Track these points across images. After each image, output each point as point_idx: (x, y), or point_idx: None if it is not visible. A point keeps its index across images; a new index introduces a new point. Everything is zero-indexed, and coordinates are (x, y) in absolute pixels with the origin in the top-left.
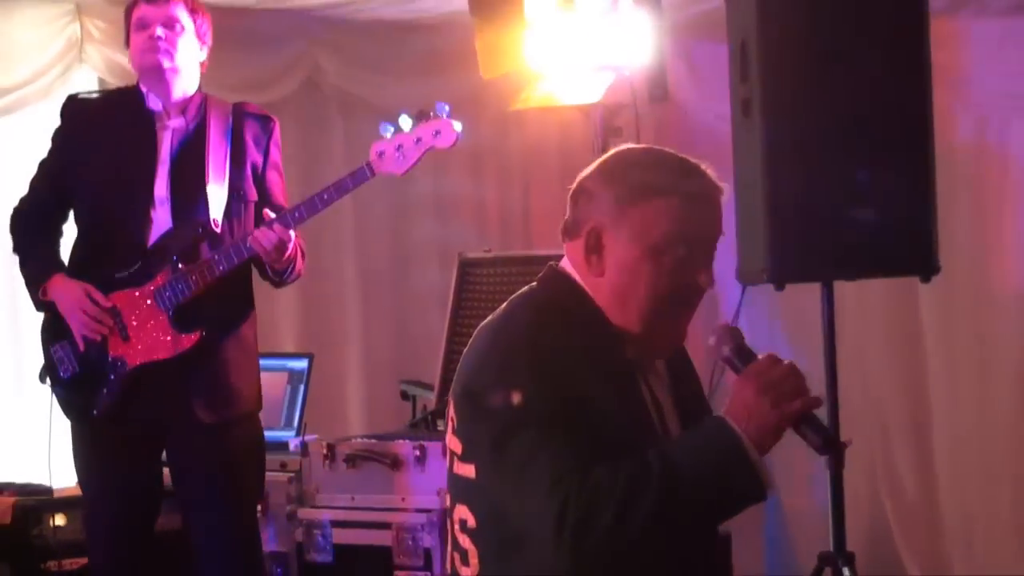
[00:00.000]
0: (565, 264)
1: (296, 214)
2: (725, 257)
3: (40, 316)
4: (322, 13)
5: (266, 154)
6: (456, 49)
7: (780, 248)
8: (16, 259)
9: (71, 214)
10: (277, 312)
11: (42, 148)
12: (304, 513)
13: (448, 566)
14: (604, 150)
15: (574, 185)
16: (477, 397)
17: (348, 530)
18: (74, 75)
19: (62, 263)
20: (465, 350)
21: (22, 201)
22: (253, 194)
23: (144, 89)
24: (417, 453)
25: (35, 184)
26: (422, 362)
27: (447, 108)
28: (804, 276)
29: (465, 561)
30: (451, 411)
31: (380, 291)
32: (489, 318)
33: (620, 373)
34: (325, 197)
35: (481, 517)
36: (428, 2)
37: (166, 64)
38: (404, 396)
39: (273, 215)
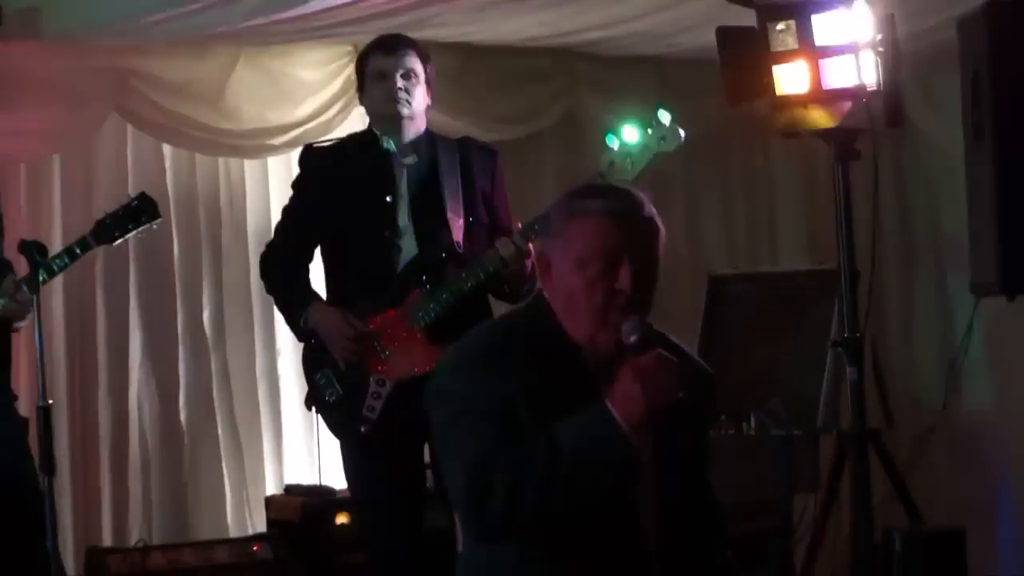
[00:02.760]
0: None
1: (536, 226)
2: (959, 272)
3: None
4: (583, 50)
5: (492, 181)
6: (705, 82)
7: (1010, 261)
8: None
9: (315, 254)
10: None
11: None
12: None
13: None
14: (844, 172)
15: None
16: (427, 400)
17: None
18: (353, 112)
19: (317, 294)
20: None
21: (270, 247)
22: (485, 218)
23: (378, 132)
24: None
25: (281, 229)
26: None
27: (670, 116)
28: None
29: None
30: None
31: None
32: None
33: (575, 380)
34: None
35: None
36: (680, 39)
37: (405, 113)
38: None
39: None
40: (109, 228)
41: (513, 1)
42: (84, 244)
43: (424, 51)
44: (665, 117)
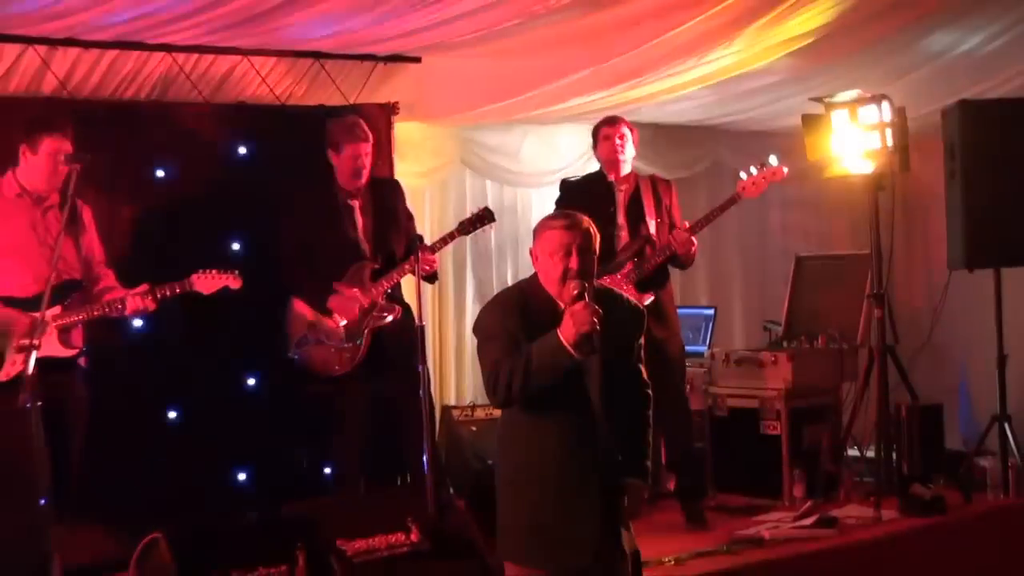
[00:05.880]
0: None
1: (697, 226)
2: (940, 254)
3: None
4: (722, 126)
5: (671, 199)
6: (795, 144)
7: (970, 249)
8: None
9: None
10: (696, 284)
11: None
12: (712, 389)
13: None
14: (874, 198)
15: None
16: (474, 328)
17: (735, 399)
18: (590, 164)
19: None
20: None
21: None
22: (668, 220)
23: (605, 172)
24: (772, 359)
25: None
26: (775, 311)
27: (776, 157)
28: (983, 264)
29: None
30: None
31: (753, 273)
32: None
33: (553, 319)
34: (711, 216)
35: None
36: (781, 120)
37: (621, 159)
38: (765, 329)
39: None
40: (466, 225)
41: (683, 101)
42: (451, 235)
43: (630, 124)
44: (775, 161)
